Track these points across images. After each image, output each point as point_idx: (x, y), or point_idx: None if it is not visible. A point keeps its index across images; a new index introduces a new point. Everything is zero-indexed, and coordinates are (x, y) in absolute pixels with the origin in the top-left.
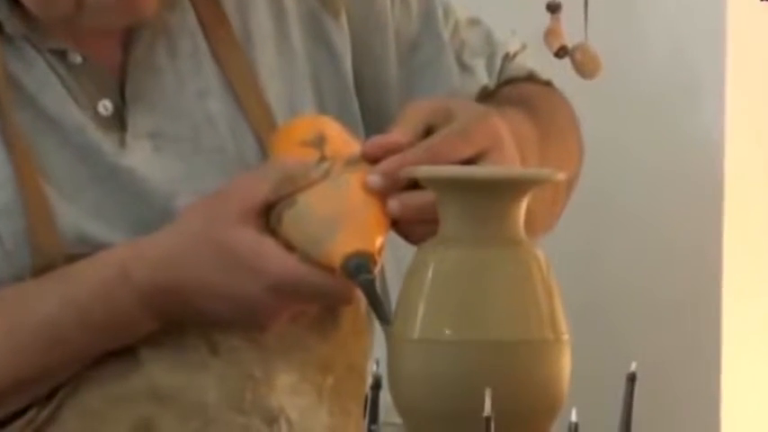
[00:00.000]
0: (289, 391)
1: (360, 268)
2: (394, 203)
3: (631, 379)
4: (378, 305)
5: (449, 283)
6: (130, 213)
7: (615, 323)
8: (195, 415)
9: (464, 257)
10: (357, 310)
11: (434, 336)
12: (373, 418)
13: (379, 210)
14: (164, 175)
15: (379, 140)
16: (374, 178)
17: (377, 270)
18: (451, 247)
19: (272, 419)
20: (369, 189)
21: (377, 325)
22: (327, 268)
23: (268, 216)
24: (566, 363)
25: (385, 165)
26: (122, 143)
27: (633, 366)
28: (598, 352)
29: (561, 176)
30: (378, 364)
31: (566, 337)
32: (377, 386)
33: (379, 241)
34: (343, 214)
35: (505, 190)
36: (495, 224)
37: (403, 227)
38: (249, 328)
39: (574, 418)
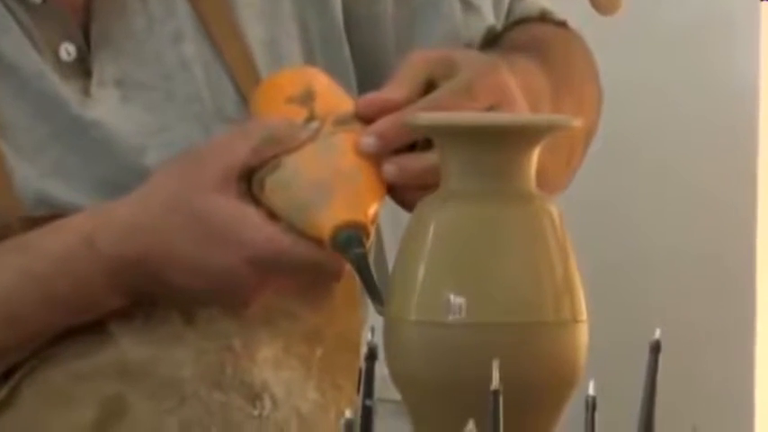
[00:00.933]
0: (272, 365)
1: (350, 241)
2: (390, 167)
3: (655, 348)
4: (370, 284)
5: (451, 244)
6: (95, 171)
7: (637, 284)
8: (169, 392)
9: (469, 214)
10: (351, 277)
11: (434, 317)
12: (368, 392)
13: (374, 175)
14: (132, 127)
15: (373, 98)
16: (368, 140)
17: (370, 243)
18: (455, 204)
19: (254, 396)
20: (362, 152)
21: None
22: (315, 240)
23: (249, 181)
24: (582, 341)
25: (380, 125)
26: (86, 92)
27: (657, 334)
28: (618, 317)
29: (577, 123)
30: (372, 331)
31: (583, 316)
32: (372, 357)
33: (372, 210)
34: (333, 180)
35: (515, 139)
36: (504, 177)
37: (400, 193)
38: (228, 305)
39: (591, 391)
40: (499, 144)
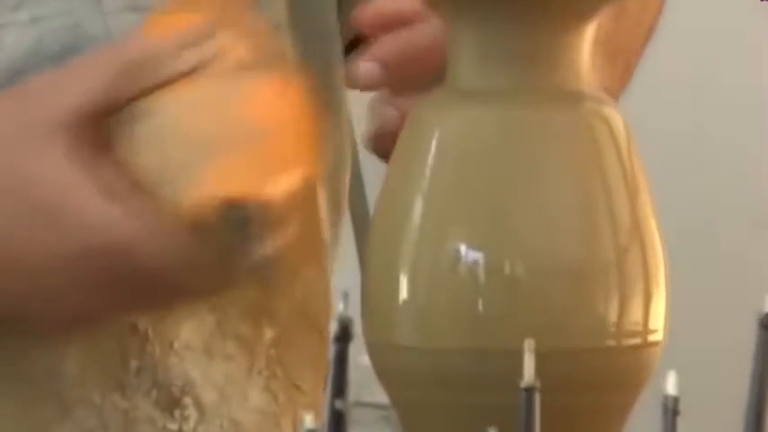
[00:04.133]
0: (199, 355)
1: (243, 224)
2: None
3: (766, 324)
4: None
5: (463, 167)
6: None
7: (737, 241)
8: (44, 398)
9: (487, 122)
10: (314, 216)
11: (428, 298)
12: (338, 389)
13: (299, 133)
14: None
15: (378, 8)
16: (368, 68)
17: (286, 233)
18: (467, 107)
19: (171, 402)
20: (355, 83)
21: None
22: (192, 224)
23: (106, 128)
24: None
25: (384, 47)
26: None
27: None
28: (712, 284)
29: None
30: (346, 298)
31: (659, 281)
32: (344, 337)
33: (285, 182)
34: (228, 135)
35: (561, 7)
36: (541, 67)
37: (380, 145)
38: (52, 328)
39: (671, 389)
40: (536, 16)
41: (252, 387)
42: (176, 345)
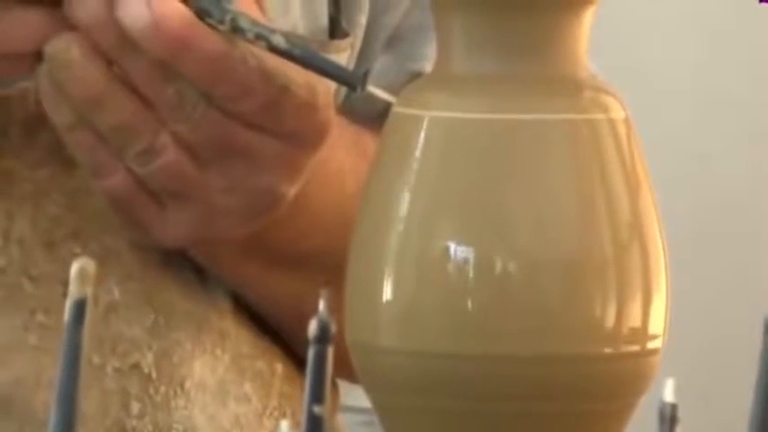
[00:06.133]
0: (211, 397)
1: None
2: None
3: None
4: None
5: (450, 160)
6: None
7: (744, 243)
8: None
9: (479, 109)
10: None
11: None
12: (316, 393)
13: None
14: None
15: None
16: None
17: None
18: (456, 93)
19: None
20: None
21: None
22: None
23: None
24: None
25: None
26: None
27: None
28: (719, 287)
29: None
30: (327, 297)
31: (660, 283)
32: (323, 338)
33: None
34: None
35: None
36: (535, 53)
37: None
38: None
39: (669, 396)
40: (528, 1)
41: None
42: (186, 386)
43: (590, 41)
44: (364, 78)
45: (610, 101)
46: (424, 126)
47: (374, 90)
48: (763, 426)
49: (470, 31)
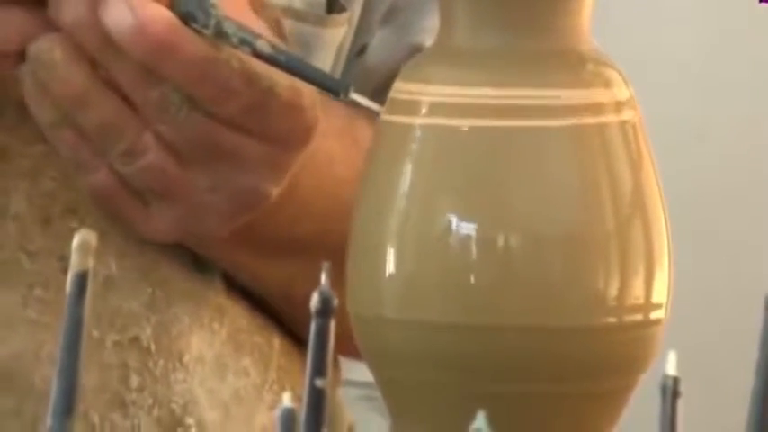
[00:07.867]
0: (210, 370)
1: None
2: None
3: None
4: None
5: (454, 131)
6: None
7: (739, 223)
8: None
9: (481, 82)
10: None
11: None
12: (318, 366)
13: None
14: None
15: None
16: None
17: None
18: (459, 67)
19: (172, 424)
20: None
21: None
22: None
23: None
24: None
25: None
26: None
27: None
28: (714, 264)
29: None
30: (329, 271)
31: (662, 264)
32: (325, 311)
33: None
34: None
35: None
36: (537, 27)
37: None
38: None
39: (671, 369)
40: None
41: (260, 405)
42: (185, 359)
43: (592, 26)
44: (347, 87)
45: (613, 75)
46: (426, 99)
47: (358, 98)
48: (764, 402)
49: (473, 4)
